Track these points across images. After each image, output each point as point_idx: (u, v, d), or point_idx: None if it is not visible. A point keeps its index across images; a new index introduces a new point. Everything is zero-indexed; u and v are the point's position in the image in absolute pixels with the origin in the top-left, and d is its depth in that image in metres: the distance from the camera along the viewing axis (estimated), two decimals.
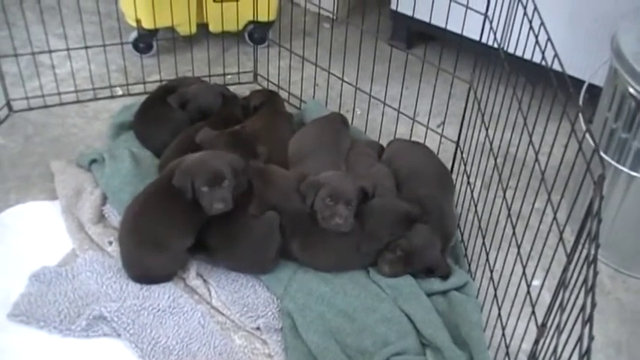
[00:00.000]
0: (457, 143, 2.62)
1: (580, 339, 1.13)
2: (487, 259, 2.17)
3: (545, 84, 1.78)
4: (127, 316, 2.01)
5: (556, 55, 1.71)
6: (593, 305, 1.15)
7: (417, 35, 3.46)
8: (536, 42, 1.82)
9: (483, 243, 2.23)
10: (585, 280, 1.23)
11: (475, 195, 2.38)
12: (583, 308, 1.18)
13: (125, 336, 1.99)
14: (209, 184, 2.09)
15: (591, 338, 1.08)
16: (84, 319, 1.99)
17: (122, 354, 1.97)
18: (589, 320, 1.14)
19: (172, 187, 2.14)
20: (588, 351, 1.07)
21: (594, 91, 2.41)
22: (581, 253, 1.41)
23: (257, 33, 3.33)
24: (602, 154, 1.65)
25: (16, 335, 1.98)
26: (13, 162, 2.63)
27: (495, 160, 2.18)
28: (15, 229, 2.34)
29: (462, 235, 2.43)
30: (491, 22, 2.28)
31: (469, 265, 2.32)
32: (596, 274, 1.20)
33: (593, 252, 1.25)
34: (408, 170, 2.45)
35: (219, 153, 2.22)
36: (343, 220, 2.13)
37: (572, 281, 1.41)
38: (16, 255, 2.23)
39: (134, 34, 3.21)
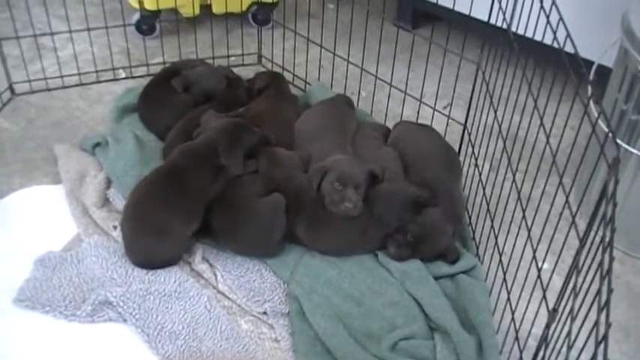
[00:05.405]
0: (464, 125, 2.59)
1: (596, 325, 1.11)
2: (496, 243, 2.15)
3: (556, 65, 1.75)
4: (133, 301, 2.00)
5: (568, 36, 1.68)
6: (610, 291, 1.12)
7: (423, 16, 3.42)
8: (548, 22, 1.79)
9: (492, 226, 2.20)
10: (601, 265, 1.21)
11: (483, 178, 2.36)
12: (599, 293, 1.16)
13: (131, 321, 1.97)
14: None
15: (608, 325, 1.06)
16: (89, 304, 1.98)
17: (128, 339, 1.96)
18: (605, 306, 1.12)
19: (176, 173, 2.14)
20: (605, 337, 1.05)
21: (603, 72, 2.37)
22: (594, 237, 1.38)
23: (261, 14, 3.29)
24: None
25: (22, 320, 1.97)
26: (16, 145, 2.61)
27: (504, 142, 2.15)
28: (19, 213, 2.32)
29: (470, 218, 2.41)
30: (500, 2, 2.24)
31: (477, 248, 2.30)
32: (612, 258, 1.17)
33: (608, 236, 1.22)
34: (415, 153, 2.43)
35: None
36: (352, 205, 2.11)
37: (585, 266, 1.39)
38: (20, 239, 2.22)
39: (137, 16, 3.18)
